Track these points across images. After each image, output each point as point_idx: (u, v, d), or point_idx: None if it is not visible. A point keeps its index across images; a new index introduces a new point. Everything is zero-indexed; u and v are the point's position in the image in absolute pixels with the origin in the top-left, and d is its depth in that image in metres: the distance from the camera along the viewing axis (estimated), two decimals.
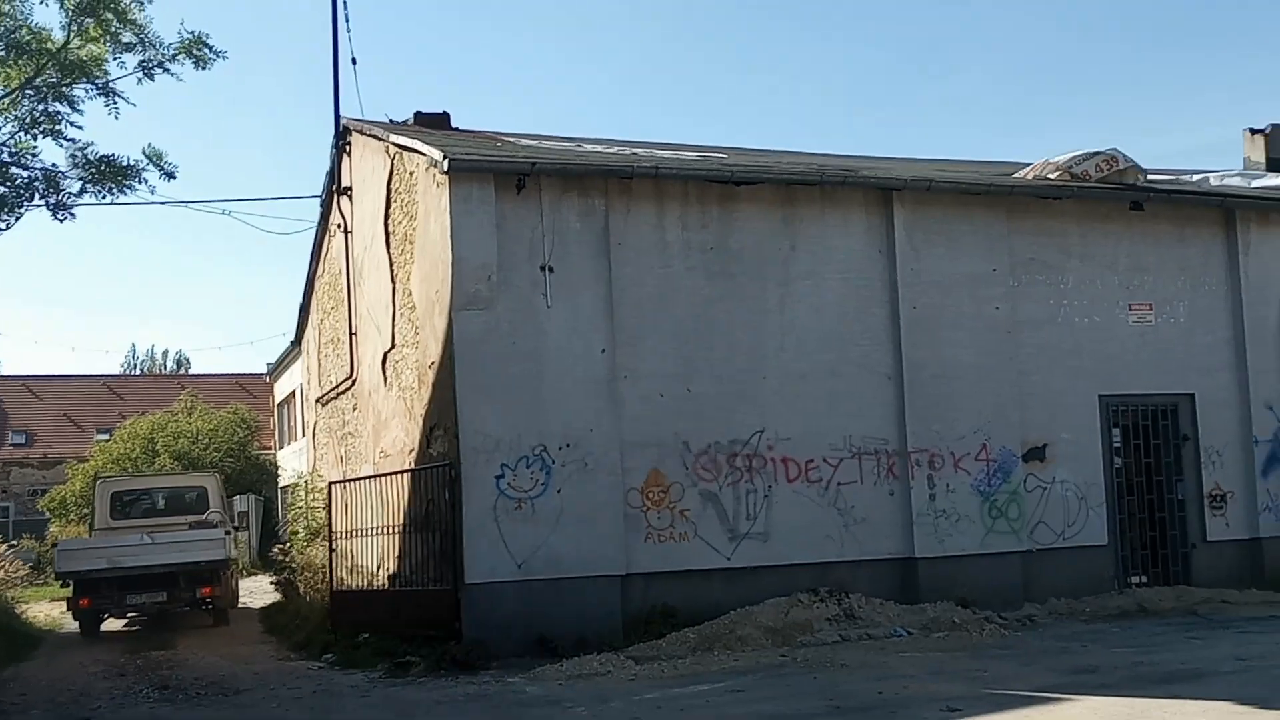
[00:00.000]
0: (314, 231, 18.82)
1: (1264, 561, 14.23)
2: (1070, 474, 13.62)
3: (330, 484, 14.71)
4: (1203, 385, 14.27)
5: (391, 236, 13.78)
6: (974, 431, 13.12)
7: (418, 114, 15.30)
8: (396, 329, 13.72)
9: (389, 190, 13.77)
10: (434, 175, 11.52)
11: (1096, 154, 13.71)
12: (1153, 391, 14.12)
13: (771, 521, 12.40)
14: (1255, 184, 16.21)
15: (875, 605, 12.33)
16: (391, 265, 13.82)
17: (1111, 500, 13.83)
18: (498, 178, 11.26)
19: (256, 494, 32.99)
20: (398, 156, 13.24)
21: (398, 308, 13.60)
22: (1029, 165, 14.40)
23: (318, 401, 20.26)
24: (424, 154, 11.57)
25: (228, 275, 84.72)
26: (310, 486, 18.47)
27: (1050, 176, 13.79)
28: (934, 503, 12.93)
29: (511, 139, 14.91)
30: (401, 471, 12.87)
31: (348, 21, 16.09)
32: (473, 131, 15.25)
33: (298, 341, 23.33)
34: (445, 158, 10.80)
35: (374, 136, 14.12)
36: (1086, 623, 12.46)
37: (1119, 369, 13.94)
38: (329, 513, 14.18)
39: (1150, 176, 15.54)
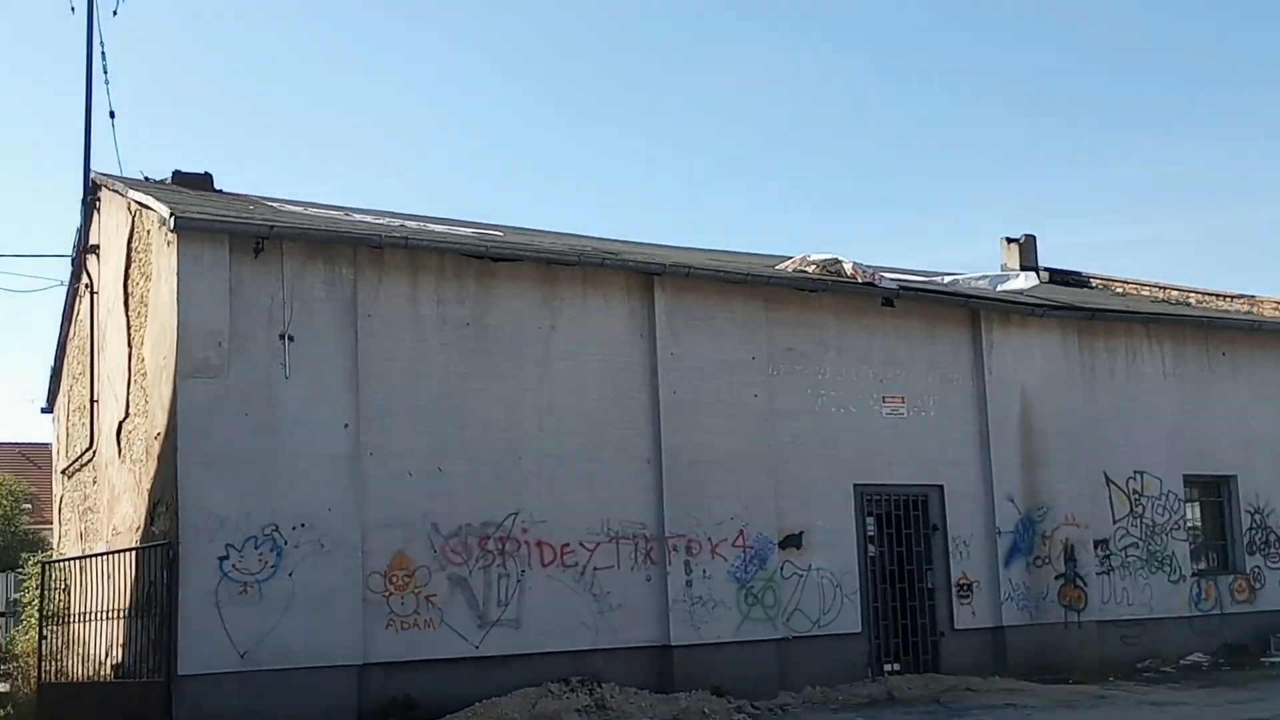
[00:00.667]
0: (65, 291, 17.57)
1: (1007, 650, 14.71)
2: (826, 561, 13.79)
3: (43, 564, 13.49)
4: (951, 477, 14.79)
5: (130, 298, 12.93)
6: (731, 518, 13.15)
7: (176, 173, 14.56)
8: (131, 397, 12.81)
9: (129, 249, 12.97)
10: (165, 234, 10.88)
11: (840, 262, 14.18)
12: (905, 482, 14.54)
13: (524, 607, 12.02)
14: (1000, 286, 17.18)
15: (628, 695, 12.07)
16: (129, 329, 12.95)
17: (866, 588, 14.07)
18: (233, 239, 10.70)
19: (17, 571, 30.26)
20: (137, 214, 12.50)
21: (132, 374, 12.72)
22: (790, 259, 14.79)
23: (63, 473, 18.76)
24: (156, 211, 10.92)
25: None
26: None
27: (808, 270, 14.19)
28: (691, 589, 12.82)
29: (275, 204, 14.35)
30: (119, 551, 11.89)
31: (105, 73, 15.27)
32: (234, 194, 14.61)
33: (49, 409, 21.63)
34: (172, 215, 10.21)
35: (116, 192, 13.32)
36: (835, 711, 12.52)
37: (873, 459, 14.30)
38: (42, 595, 12.97)
39: (905, 276, 16.26)
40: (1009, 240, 22.75)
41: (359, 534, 11.19)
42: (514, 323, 12.31)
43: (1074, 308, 15.83)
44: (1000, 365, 15.24)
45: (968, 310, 15.25)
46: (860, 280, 13.96)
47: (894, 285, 14.19)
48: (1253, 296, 19.31)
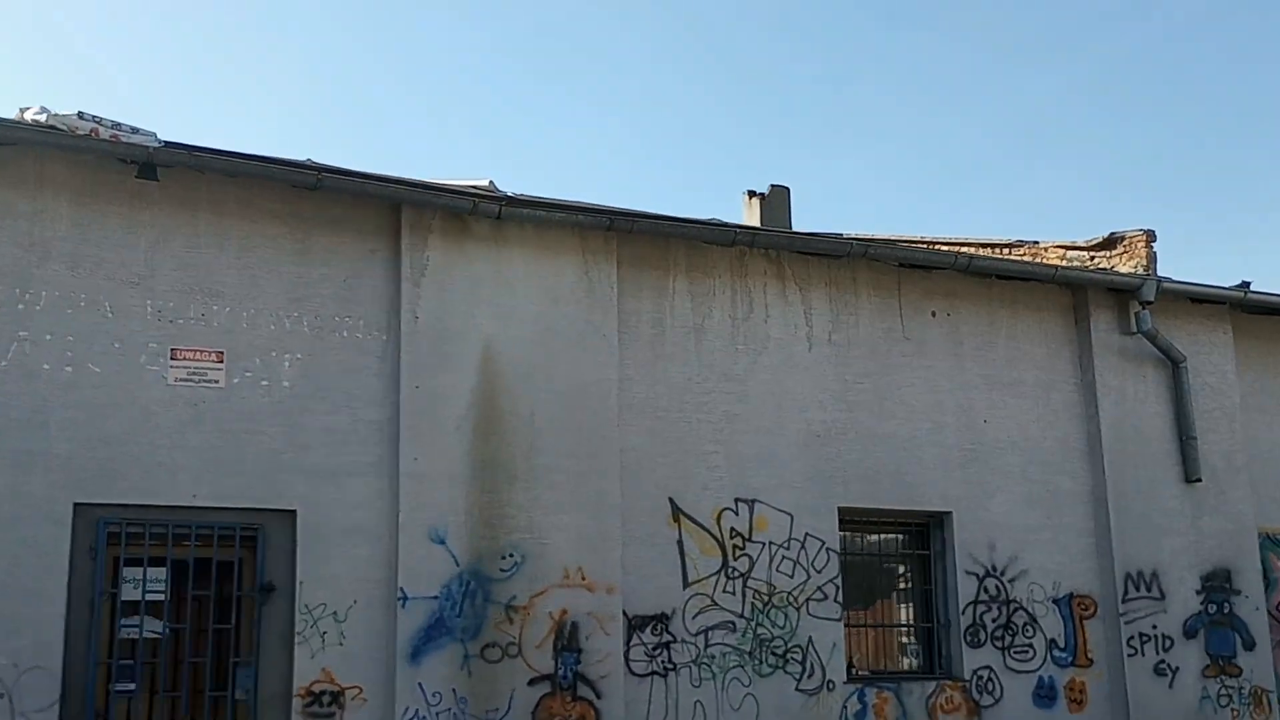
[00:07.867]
0: None
1: None
2: None
3: None
4: (315, 498, 8.24)
5: None
6: None
7: None
8: None
9: None
10: None
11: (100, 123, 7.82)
12: (209, 504, 8.05)
13: None
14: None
15: None
16: None
17: (87, 699, 7.56)
18: None
19: None
20: None
21: None
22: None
23: None
24: None
25: None
26: None
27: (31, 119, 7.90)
28: None
29: None
30: None
31: None
32: None
33: None
34: None
35: None
36: None
37: (137, 462, 7.87)
38: None
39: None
40: (751, 194, 16.30)
41: None
42: None
43: (578, 209, 9.19)
44: (438, 303, 8.73)
45: (389, 207, 8.82)
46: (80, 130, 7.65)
47: (156, 141, 7.81)
48: (1035, 243, 12.49)
